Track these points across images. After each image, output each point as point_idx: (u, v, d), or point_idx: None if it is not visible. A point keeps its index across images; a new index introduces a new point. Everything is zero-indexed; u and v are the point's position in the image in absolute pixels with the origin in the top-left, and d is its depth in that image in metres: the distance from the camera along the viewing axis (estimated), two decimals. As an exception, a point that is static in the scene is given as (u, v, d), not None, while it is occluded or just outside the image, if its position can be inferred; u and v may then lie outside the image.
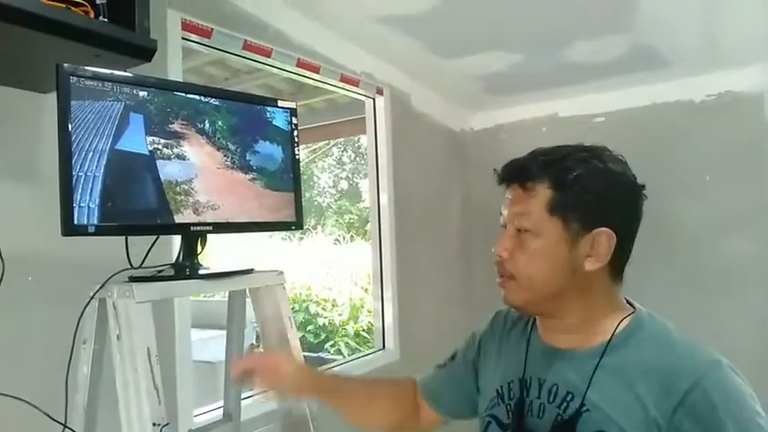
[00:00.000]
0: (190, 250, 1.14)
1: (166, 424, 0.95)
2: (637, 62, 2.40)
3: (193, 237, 1.14)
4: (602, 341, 0.84)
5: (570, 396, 0.83)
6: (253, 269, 1.21)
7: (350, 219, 9.39)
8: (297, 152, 1.30)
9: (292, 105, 1.29)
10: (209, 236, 1.16)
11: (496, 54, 2.39)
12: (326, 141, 8.16)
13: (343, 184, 10.46)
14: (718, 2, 1.95)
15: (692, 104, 2.60)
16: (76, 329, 1.03)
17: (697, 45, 2.28)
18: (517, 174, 0.87)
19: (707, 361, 0.79)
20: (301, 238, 7.84)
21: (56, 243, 1.00)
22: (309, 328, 5.51)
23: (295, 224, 1.29)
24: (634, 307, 0.89)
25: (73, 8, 1.04)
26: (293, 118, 1.30)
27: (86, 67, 0.99)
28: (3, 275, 0.93)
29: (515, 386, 0.91)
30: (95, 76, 1.00)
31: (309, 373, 1.10)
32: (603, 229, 0.82)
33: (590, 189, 0.83)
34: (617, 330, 0.84)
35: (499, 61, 2.46)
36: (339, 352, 5.12)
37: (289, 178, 1.28)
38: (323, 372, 1.16)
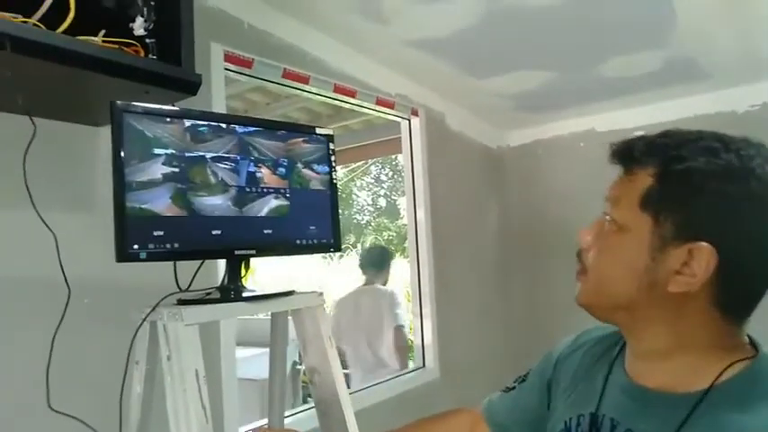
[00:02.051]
0: (234, 273, 1.19)
1: (214, 442, 0.99)
2: (675, 75, 2.38)
3: (237, 261, 1.19)
4: (698, 388, 0.64)
5: None
6: (294, 291, 1.25)
7: (388, 236, 9.43)
8: (334, 176, 1.34)
9: (329, 132, 1.34)
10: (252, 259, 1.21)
11: (529, 73, 2.41)
12: (365, 161, 8.25)
13: (382, 202, 10.54)
14: (758, 12, 1.92)
15: (735, 115, 2.55)
16: (129, 350, 1.09)
17: (738, 56, 2.24)
18: (621, 153, 0.72)
19: None
20: (341, 256, 7.92)
21: (110, 268, 1.07)
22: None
23: (333, 246, 1.33)
24: (757, 349, 0.68)
25: (125, 48, 1.12)
26: (330, 143, 1.34)
27: (137, 103, 1.06)
28: (69, 301, 0.99)
29: (585, 422, 0.75)
30: (146, 112, 1.06)
31: None
32: (704, 244, 0.62)
33: (702, 189, 0.63)
34: (721, 377, 0.64)
35: (532, 80, 2.47)
36: (380, 370, 5.11)
37: (327, 202, 1.32)
38: None
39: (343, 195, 10.38)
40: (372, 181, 10.55)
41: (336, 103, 2.37)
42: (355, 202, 10.47)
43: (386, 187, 10.42)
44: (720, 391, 0.63)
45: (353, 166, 8.81)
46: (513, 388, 0.96)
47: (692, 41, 2.08)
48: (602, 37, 2.05)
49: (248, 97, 3.24)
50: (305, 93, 2.14)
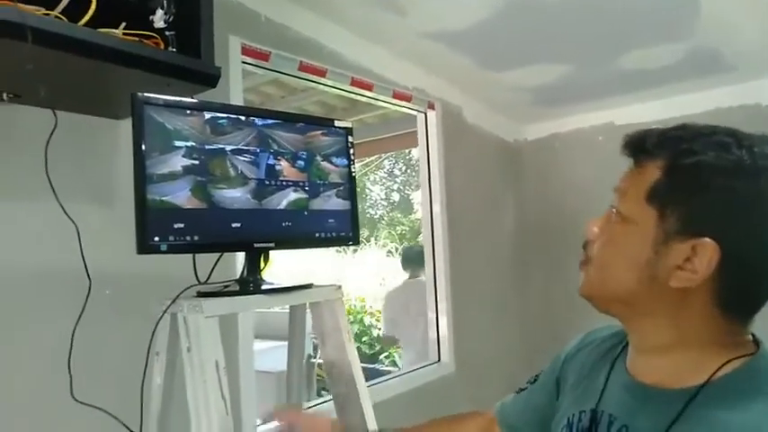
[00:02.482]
0: (253, 266, 1.19)
1: (233, 435, 0.99)
2: (697, 67, 2.33)
3: (256, 253, 1.19)
4: (695, 384, 0.64)
5: None
6: (312, 284, 1.25)
7: (402, 230, 9.42)
8: (353, 169, 1.34)
9: (348, 125, 1.34)
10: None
11: (547, 66, 2.38)
12: (378, 155, 8.24)
13: (395, 196, 10.52)
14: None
15: (759, 108, 2.50)
16: (150, 342, 1.09)
17: (763, 47, 2.19)
18: (633, 145, 0.70)
19: None
20: (355, 250, 7.92)
21: (130, 260, 1.07)
22: (364, 339, 5.56)
23: (352, 239, 1.32)
24: (758, 346, 0.67)
25: (145, 41, 1.12)
26: (349, 136, 1.34)
27: (158, 96, 1.06)
28: (89, 293, 1.00)
29: (586, 418, 0.75)
30: (166, 104, 1.07)
31: None
32: (708, 240, 0.61)
33: (710, 185, 0.62)
34: (718, 374, 0.63)
35: (549, 73, 2.44)
36: (394, 363, 5.13)
37: (346, 195, 1.32)
38: None
39: (357, 190, 10.38)
40: (386, 175, 10.54)
41: (352, 96, 2.36)
42: (368, 197, 10.47)
43: (399, 182, 10.41)
44: (716, 388, 0.63)
45: (367, 160, 8.81)
46: (525, 389, 0.96)
47: (716, 32, 2.04)
48: (622, 28, 2.02)
49: (263, 90, 3.25)
50: (320, 86, 2.13)
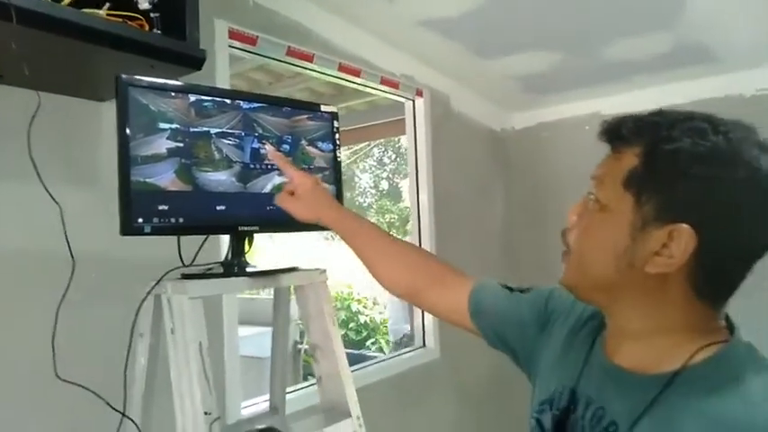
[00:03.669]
0: (238, 249, 1.20)
1: (217, 418, 1.00)
2: (682, 58, 2.35)
3: (241, 236, 1.20)
4: (670, 370, 0.65)
5: (614, 428, 0.68)
6: (297, 267, 1.26)
7: (390, 218, 9.43)
8: (338, 154, 1.34)
9: (334, 110, 1.34)
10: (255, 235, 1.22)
11: (536, 54, 2.39)
12: (367, 143, 8.23)
13: (384, 185, 10.52)
14: (768, -6, 1.90)
15: (743, 99, 2.53)
16: (134, 323, 1.10)
17: (747, 38, 2.22)
18: (610, 132, 0.70)
19: None
20: (343, 238, 7.92)
21: (115, 243, 1.08)
22: (351, 325, 5.58)
23: (337, 224, 1.33)
24: (732, 332, 0.68)
25: (129, 22, 1.11)
26: (335, 121, 1.34)
27: (142, 78, 1.06)
28: (73, 272, 1.00)
29: (565, 396, 0.77)
30: (151, 86, 1.06)
31: (328, 204, 1.09)
32: (684, 226, 0.62)
33: (686, 171, 0.62)
34: (692, 360, 0.64)
35: (539, 61, 2.45)
36: (380, 349, 5.17)
37: (332, 180, 1.32)
38: (351, 214, 1.10)
39: (346, 177, 10.36)
40: (375, 163, 10.53)
41: (340, 83, 2.36)
42: (357, 185, 10.46)
43: (388, 170, 10.40)
44: (689, 374, 0.64)
45: (356, 148, 8.80)
46: (512, 291, 0.94)
47: (702, 23, 2.06)
48: (609, 17, 2.03)
49: (251, 76, 3.23)
50: (308, 72, 2.13)
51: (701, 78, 2.56)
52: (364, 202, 10.48)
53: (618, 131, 0.69)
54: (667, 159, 0.63)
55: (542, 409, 0.80)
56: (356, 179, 10.41)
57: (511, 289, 0.95)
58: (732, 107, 2.48)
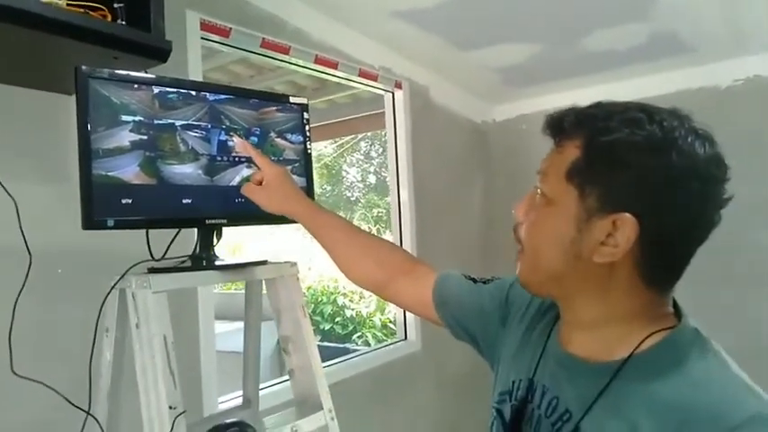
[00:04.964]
0: (206, 242, 1.19)
1: (182, 412, 1.00)
2: (658, 49, 2.37)
3: (209, 230, 1.19)
4: (620, 357, 0.67)
5: (567, 416, 0.69)
6: (267, 260, 1.25)
7: (378, 212, 9.42)
8: (309, 146, 1.33)
9: (303, 101, 1.33)
10: (224, 228, 1.21)
11: (514, 45, 2.39)
12: (354, 136, 8.20)
13: (372, 179, 10.50)
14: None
15: (718, 90, 2.54)
16: (98, 318, 1.09)
17: (721, 30, 2.23)
18: (551, 125, 0.71)
19: (748, 411, 0.58)
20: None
21: (82, 238, 1.06)
22: (337, 319, 5.58)
23: (307, 217, 1.32)
24: (680, 318, 0.69)
25: (91, 12, 1.09)
26: (305, 113, 1.33)
27: (103, 69, 1.04)
28: (30, 268, 0.99)
29: (523, 386, 0.78)
30: (112, 77, 1.05)
31: (295, 196, 1.09)
32: (627, 215, 0.63)
33: (625, 161, 0.63)
34: (641, 347, 0.66)
35: (517, 52, 2.45)
36: (366, 343, 5.17)
37: (302, 172, 1.31)
38: (318, 207, 1.10)
39: (333, 172, 10.33)
40: (362, 157, 10.50)
41: (322, 76, 2.34)
42: (345, 179, 10.43)
43: (375, 164, 10.38)
44: (639, 361, 0.66)
45: (342, 141, 8.77)
46: (475, 282, 0.96)
47: (676, 14, 2.07)
48: (587, 8, 2.03)
49: (231, 69, 3.19)
50: (288, 65, 2.11)
51: (677, 70, 2.57)
52: (352, 196, 10.47)
53: (560, 124, 0.70)
54: (605, 150, 0.65)
55: (502, 399, 0.82)
56: (343, 173, 10.39)
57: (474, 280, 0.96)
58: (708, 99, 2.52)
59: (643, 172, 0.63)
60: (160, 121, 1.10)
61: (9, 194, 0.95)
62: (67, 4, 1.06)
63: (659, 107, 0.67)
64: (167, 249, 1.19)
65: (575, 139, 0.68)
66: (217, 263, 1.18)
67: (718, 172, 0.64)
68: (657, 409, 0.61)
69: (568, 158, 0.67)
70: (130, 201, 1.05)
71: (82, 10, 1.08)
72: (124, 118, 1.06)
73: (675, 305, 0.71)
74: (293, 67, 2.16)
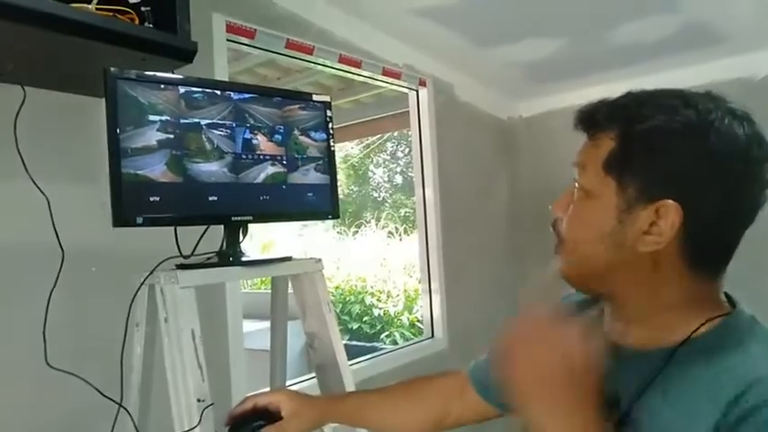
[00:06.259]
0: (232, 239, 1.21)
1: (210, 404, 1.01)
2: (688, 40, 2.31)
3: (234, 227, 1.21)
4: (674, 343, 0.65)
5: (616, 401, 0.68)
6: (291, 257, 1.26)
7: (405, 212, 9.43)
8: (332, 143, 1.34)
9: (326, 99, 1.34)
10: (250, 225, 1.23)
11: (539, 40, 2.36)
12: (380, 136, 8.22)
13: (398, 179, 10.51)
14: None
15: (753, 82, 2.47)
16: (129, 313, 1.11)
17: (755, 19, 2.17)
18: (584, 119, 0.71)
19: None
20: (356, 232, 7.95)
21: (116, 236, 1.09)
22: (365, 319, 5.60)
23: (331, 213, 1.33)
24: (734, 306, 0.69)
25: (119, 16, 1.12)
26: (328, 111, 1.34)
27: (131, 70, 1.07)
28: (63, 263, 1.02)
29: None
30: (140, 78, 1.07)
31: (311, 405, 0.99)
32: (669, 202, 0.62)
33: (663, 148, 0.63)
34: (697, 332, 0.65)
35: (542, 47, 2.42)
36: (394, 342, 5.17)
37: (325, 169, 1.32)
38: (334, 397, 1.11)
39: (360, 172, 10.38)
40: (389, 157, 10.53)
41: (347, 76, 2.36)
42: (372, 179, 10.47)
43: (402, 163, 10.39)
44: (694, 346, 0.64)
45: (368, 141, 8.80)
46: None
47: (706, 3, 2.02)
48: (614, 0, 2.00)
49: (258, 72, 3.23)
50: (314, 66, 2.13)
51: (710, 61, 2.50)
52: (378, 196, 10.50)
53: (593, 118, 0.70)
54: (642, 138, 0.64)
55: None
56: (370, 173, 10.42)
57: None
58: (744, 90, 2.45)
59: (682, 157, 0.63)
60: (186, 121, 1.12)
61: (42, 192, 0.99)
62: (96, 9, 1.09)
63: (693, 91, 0.66)
64: (196, 246, 1.22)
65: (609, 131, 0.67)
66: (243, 259, 1.20)
67: (760, 152, 0.63)
68: (716, 392, 0.59)
69: (605, 150, 0.67)
70: (158, 198, 1.08)
71: (110, 13, 1.11)
72: (151, 118, 1.08)
73: (727, 296, 0.70)
74: (319, 67, 2.18)
